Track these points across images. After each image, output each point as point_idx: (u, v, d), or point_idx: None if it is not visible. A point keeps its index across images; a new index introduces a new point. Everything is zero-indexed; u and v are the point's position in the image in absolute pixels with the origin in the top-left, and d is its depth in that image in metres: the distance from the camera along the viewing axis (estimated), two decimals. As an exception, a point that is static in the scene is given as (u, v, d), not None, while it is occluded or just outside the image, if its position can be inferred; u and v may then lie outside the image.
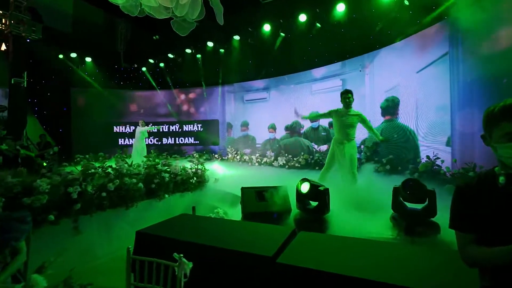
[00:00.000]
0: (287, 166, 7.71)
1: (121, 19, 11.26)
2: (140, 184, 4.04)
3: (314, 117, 4.28)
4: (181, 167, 5.04)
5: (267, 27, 7.56)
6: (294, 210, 2.92)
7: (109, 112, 10.92)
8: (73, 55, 10.01)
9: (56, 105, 10.32)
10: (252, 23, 7.66)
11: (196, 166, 5.27)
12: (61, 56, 9.93)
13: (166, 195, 4.43)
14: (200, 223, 2.52)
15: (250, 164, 8.63)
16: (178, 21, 7.16)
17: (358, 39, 6.69)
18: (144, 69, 10.78)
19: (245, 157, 8.94)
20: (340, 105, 4.14)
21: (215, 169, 6.46)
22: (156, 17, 6.42)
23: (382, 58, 6.47)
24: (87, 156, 9.70)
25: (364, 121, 4.08)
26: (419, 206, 2.60)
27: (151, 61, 10.52)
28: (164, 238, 2.18)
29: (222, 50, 8.76)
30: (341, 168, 3.93)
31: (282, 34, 7.80)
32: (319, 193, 2.61)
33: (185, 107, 11.12)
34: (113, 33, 11.31)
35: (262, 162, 8.37)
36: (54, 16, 9.87)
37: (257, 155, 8.65)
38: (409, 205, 2.66)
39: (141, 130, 7.75)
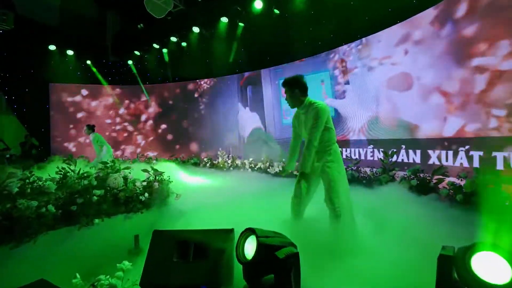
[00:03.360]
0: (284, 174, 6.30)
1: (110, 10, 10.38)
2: (50, 207, 2.83)
3: (292, 157, 2.75)
4: (130, 179, 3.80)
5: (258, 4, 6.16)
6: (241, 280, 1.56)
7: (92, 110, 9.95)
8: (52, 47, 9.06)
9: (36, 102, 9.45)
10: (240, 0, 6.30)
11: (153, 177, 4.01)
12: (39, 48, 9.03)
13: (96, 220, 3.20)
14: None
15: (242, 170, 7.29)
16: (152, 0, 5.75)
17: (373, 14, 5.19)
18: (130, 62, 9.71)
19: (237, 161, 7.61)
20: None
21: (187, 179, 5.17)
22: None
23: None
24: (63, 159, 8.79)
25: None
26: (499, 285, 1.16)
27: (137, 53, 9.42)
28: None
29: (207, 35, 7.40)
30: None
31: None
32: (275, 262, 1.24)
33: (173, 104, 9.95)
34: (102, 26, 10.42)
35: (256, 168, 7.01)
36: (39, 7, 9.15)
37: (251, 159, 7.30)
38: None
39: (92, 138, 6.10)
